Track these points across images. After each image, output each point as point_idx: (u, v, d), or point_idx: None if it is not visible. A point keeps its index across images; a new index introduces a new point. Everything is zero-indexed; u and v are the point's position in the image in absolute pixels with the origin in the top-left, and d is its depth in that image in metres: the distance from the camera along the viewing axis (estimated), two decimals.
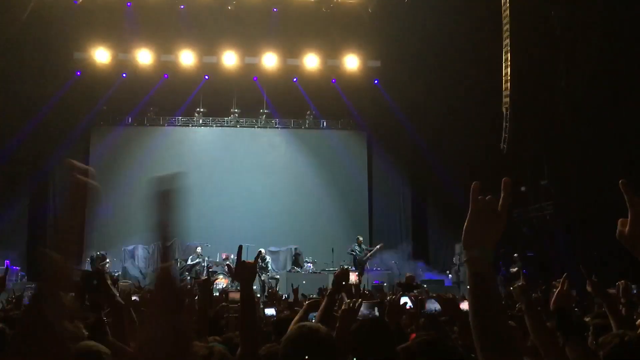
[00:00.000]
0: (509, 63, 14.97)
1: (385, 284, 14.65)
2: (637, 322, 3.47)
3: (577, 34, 14.18)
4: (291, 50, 18.60)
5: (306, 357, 2.14)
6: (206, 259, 15.97)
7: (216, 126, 19.51)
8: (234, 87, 19.07)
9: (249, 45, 18.37)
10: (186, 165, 18.92)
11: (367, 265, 16.27)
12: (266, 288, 14.64)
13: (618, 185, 1.44)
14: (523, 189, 15.21)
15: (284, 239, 18.46)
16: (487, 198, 1.51)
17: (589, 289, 3.55)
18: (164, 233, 0.93)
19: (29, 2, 16.14)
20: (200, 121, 19.42)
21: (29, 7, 16.10)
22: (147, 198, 1.00)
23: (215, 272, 15.24)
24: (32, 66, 16.69)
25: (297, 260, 17.09)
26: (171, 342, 0.83)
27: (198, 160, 18.95)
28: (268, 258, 16.12)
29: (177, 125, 19.39)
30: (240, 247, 2.59)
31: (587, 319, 3.89)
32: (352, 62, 18.76)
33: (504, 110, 15.34)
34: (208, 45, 18.28)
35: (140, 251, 17.45)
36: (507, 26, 14.91)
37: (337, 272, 4.09)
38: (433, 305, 4.90)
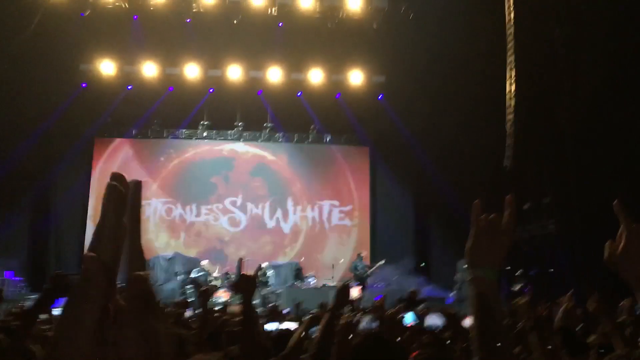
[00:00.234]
0: (513, 80, 15.00)
1: (387, 300, 14.56)
2: None
3: (580, 53, 14.21)
4: (296, 64, 18.67)
5: None
6: (212, 273, 15.93)
7: (220, 139, 19.54)
8: (238, 101, 19.12)
9: (254, 59, 18.45)
10: (189, 177, 18.96)
11: (369, 281, 16.19)
12: (266, 303, 14.57)
13: (622, 201, 1.41)
14: (526, 206, 15.16)
15: (285, 253, 18.43)
16: (490, 216, 1.48)
17: (590, 307, 3.51)
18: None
19: (36, 14, 16.26)
20: (204, 134, 19.45)
21: (35, 19, 16.22)
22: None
23: (215, 286, 15.18)
24: (38, 77, 16.77)
25: (298, 275, 17.03)
26: (144, 354, 0.81)
27: (201, 173, 19.00)
28: (269, 273, 16.07)
29: (181, 138, 19.43)
30: (241, 260, 2.58)
31: (591, 339, 3.85)
32: (356, 77, 18.81)
33: (507, 127, 15.34)
34: (213, 58, 18.37)
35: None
36: (512, 43, 14.97)
37: (338, 287, 4.06)
38: (433, 321, 4.86)
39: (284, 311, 11.03)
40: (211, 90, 18.84)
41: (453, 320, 3.96)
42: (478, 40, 15.80)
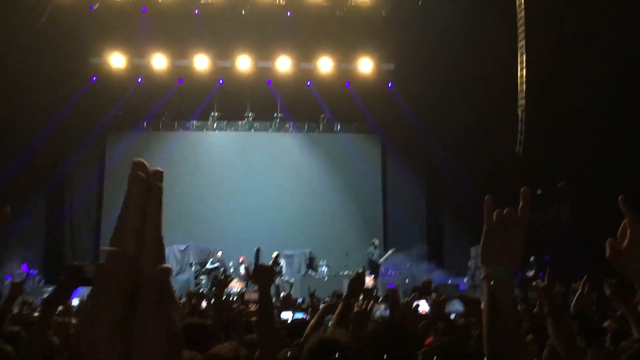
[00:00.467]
0: (524, 65, 14.88)
1: (400, 288, 14.59)
2: None
3: (592, 36, 14.05)
4: (305, 54, 18.62)
5: None
6: (227, 264, 16.05)
7: (230, 130, 19.57)
8: (248, 91, 19.12)
9: (263, 50, 18.42)
10: (201, 169, 19.02)
11: (382, 269, 16.22)
12: (280, 292, 14.64)
13: (636, 185, 1.40)
14: (539, 191, 15.07)
15: (298, 242, 18.46)
16: (504, 211, 1.43)
17: (607, 292, 3.48)
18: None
19: (46, 9, 16.33)
20: (215, 125, 19.48)
21: (45, 13, 16.29)
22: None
23: (229, 275, 15.28)
24: (48, 71, 16.87)
25: (311, 264, 17.08)
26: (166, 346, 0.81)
27: (212, 164, 19.05)
28: (282, 262, 16.12)
29: (192, 130, 19.47)
30: (259, 250, 2.56)
31: (606, 324, 3.84)
32: (366, 66, 18.74)
33: (519, 112, 15.24)
34: (222, 49, 18.36)
35: None
36: (523, 28, 14.84)
37: (352, 276, 4.07)
38: (455, 307, 4.84)
39: (298, 300, 11.09)
40: (221, 82, 18.86)
41: (473, 306, 3.95)
42: (488, 25, 15.66)
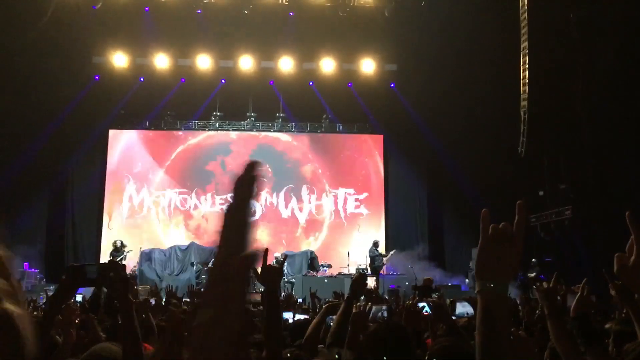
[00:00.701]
0: (527, 66, 14.87)
1: (401, 289, 14.58)
2: None
3: (595, 37, 14.05)
4: (307, 54, 18.62)
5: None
6: None
7: (232, 130, 19.58)
8: (251, 91, 19.13)
9: (265, 49, 18.43)
10: (203, 167, 19.04)
11: (384, 269, 16.22)
12: (281, 292, 14.64)
13: (638, 188, 1.39)
14: (541, 193, 15.07)
15: (299, 242, 18.48)
16: (500, 225, 1.41)
17: (612, 293, 3.47)
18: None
19: (49, 8, 16.36)
20: (217, 125, 19.49)
21: (48, 12, 16.32)
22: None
23: None
24: (51, 70, 16.92)
25: (312, 264, 17.09)
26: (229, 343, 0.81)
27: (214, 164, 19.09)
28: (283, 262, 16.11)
29: (194, 129, 19.49)
30: (267, 251, 2.53)
31: (607, 326, 3.83)
32: (368, 66, 18.74)
33: (521, 113, 15.23)
34: (225, 49, 18.38)
35: (157, 254, 17.52)
36: (526, 29, 14.82)
37: (354, 277, 4.08)
38: (465, 309, 4.81)
39: (299, 300, 11.10)
40: (223, 81, 18.87)
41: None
42: (491, 27, 15.66)
